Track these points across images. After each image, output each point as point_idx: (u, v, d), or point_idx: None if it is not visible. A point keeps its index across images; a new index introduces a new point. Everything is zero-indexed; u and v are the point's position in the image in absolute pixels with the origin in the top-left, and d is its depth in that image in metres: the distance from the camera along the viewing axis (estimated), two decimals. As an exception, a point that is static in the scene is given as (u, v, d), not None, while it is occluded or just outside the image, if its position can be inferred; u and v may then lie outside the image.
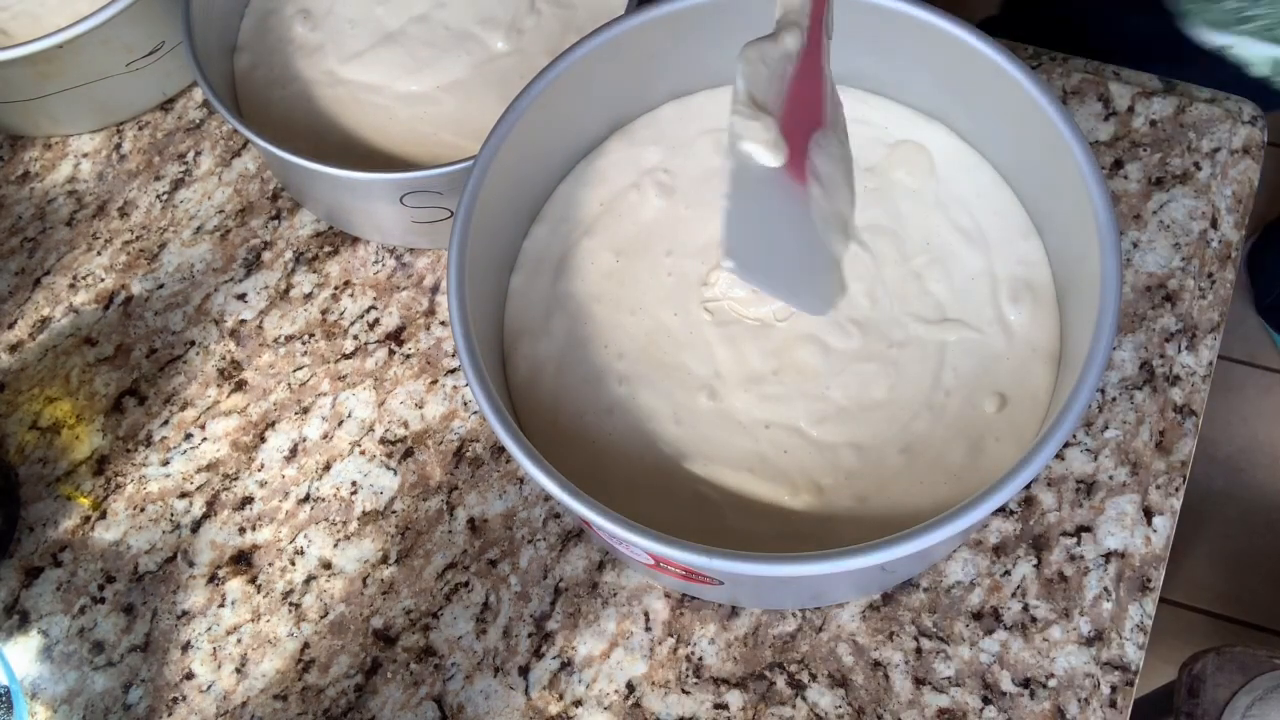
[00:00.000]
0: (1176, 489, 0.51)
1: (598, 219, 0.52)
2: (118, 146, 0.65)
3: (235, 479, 0.55)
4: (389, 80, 0.59)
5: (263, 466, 0.55)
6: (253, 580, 0.53)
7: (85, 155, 0.65)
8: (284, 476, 0.55)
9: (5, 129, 0.66)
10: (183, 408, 0.57)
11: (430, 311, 0.58)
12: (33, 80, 0.59)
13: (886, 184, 0.51)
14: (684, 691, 0.49)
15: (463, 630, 0.51)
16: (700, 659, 0.50)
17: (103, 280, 0.61)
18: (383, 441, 0.55)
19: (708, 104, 0.54)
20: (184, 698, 0.51)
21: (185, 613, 0.53)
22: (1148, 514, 0.50)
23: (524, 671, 0.50)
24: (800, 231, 0.37)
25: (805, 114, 0.37)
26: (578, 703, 0.49)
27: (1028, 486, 0.49)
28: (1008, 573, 0.50)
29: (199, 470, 0.55)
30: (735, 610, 0.50)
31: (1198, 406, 0.52)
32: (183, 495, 0.55)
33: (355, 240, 0.60)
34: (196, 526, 0.54)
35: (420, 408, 0.56)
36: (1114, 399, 0.52)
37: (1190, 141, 0.57)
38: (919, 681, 0.49)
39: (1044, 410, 0.46)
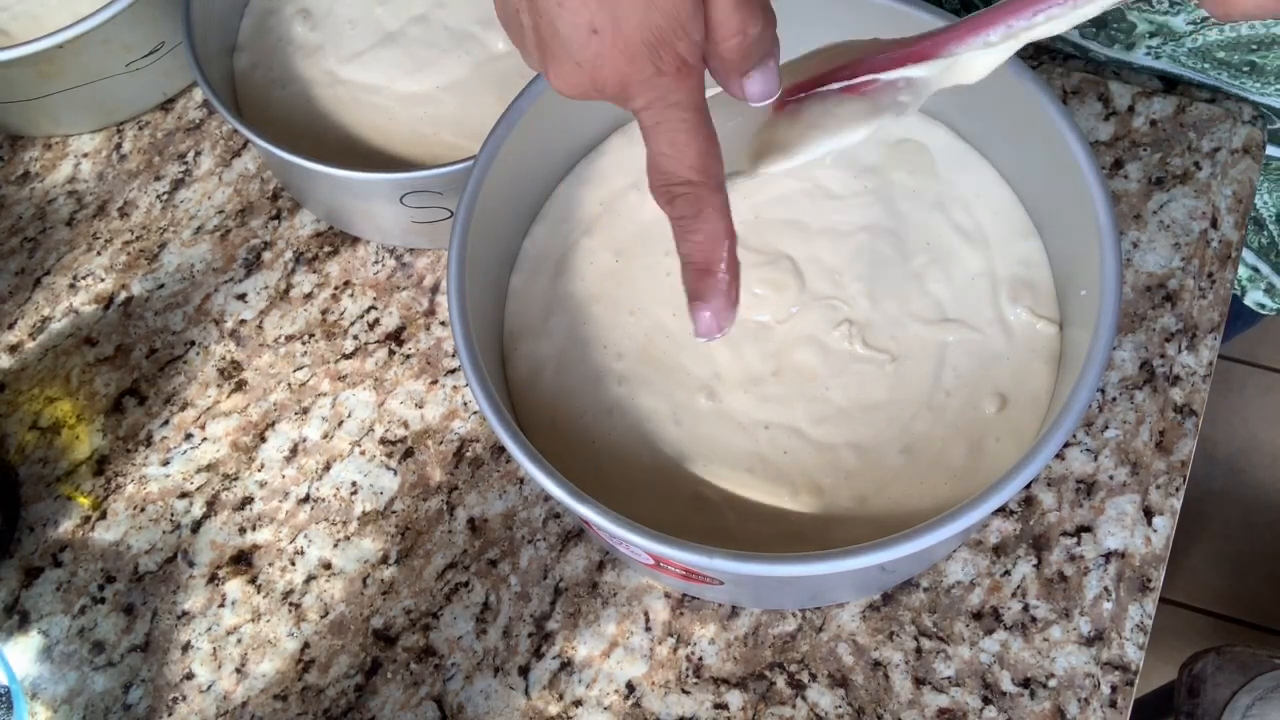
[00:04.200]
0: (1176, 489, 0.51)
1: (597, 219, 0.52)
2: (118, 146, 0.65)
3: (235, 479, 0.55)
4: (389, 80, 0.59)
5: (263, 467, 0.55)
6: (253, 580, 0.53)
7: (85, 155, 0.65)
8: (284, 477, 0.55)
9: (5, 129, 0.66)
10: (183, 408, 0.57)
11: (430, 311, 0.58)
12: (33, 80, 0.59)
13: (886, 184, 0.51)
14: (684, 691, 0.49)
15: (463, 630, 0.51)
16: (700, 659, 0.50)
17: (103, 280, 0.61)
18: (383, 442, 0.55)
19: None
20: (184, 698, 0.51)
21: (185, 613, 0.53)
22: (1148, 514, 0.50)
23: (524, 671, 0.50)
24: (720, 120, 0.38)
25: (833, 76, 0.38)
26: (578, 703, 0.49)
27: (1028, 486, 0.49)
28: (1008, 573, 0.50)
29: (199, 470, 0.55)
30: (735, 610, 0.50)
31: (1198, 406, 0.52)
32: (183, 495, 0.55)
33: (355, 240, 0.60)
34: (196, 526, 0.54)
35: (420, 408, 0.56)
36: (1114, 399, 0.52)
37: (1190, 141, 0.57)
38: (919, 681, 0.49)
39: (1044, 410, 0.46)
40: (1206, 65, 0.56)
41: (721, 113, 0.40)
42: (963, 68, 0.37)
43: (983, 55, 0.36)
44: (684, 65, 0.33)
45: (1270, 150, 0.60)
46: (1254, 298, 0.71)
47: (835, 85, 0.38)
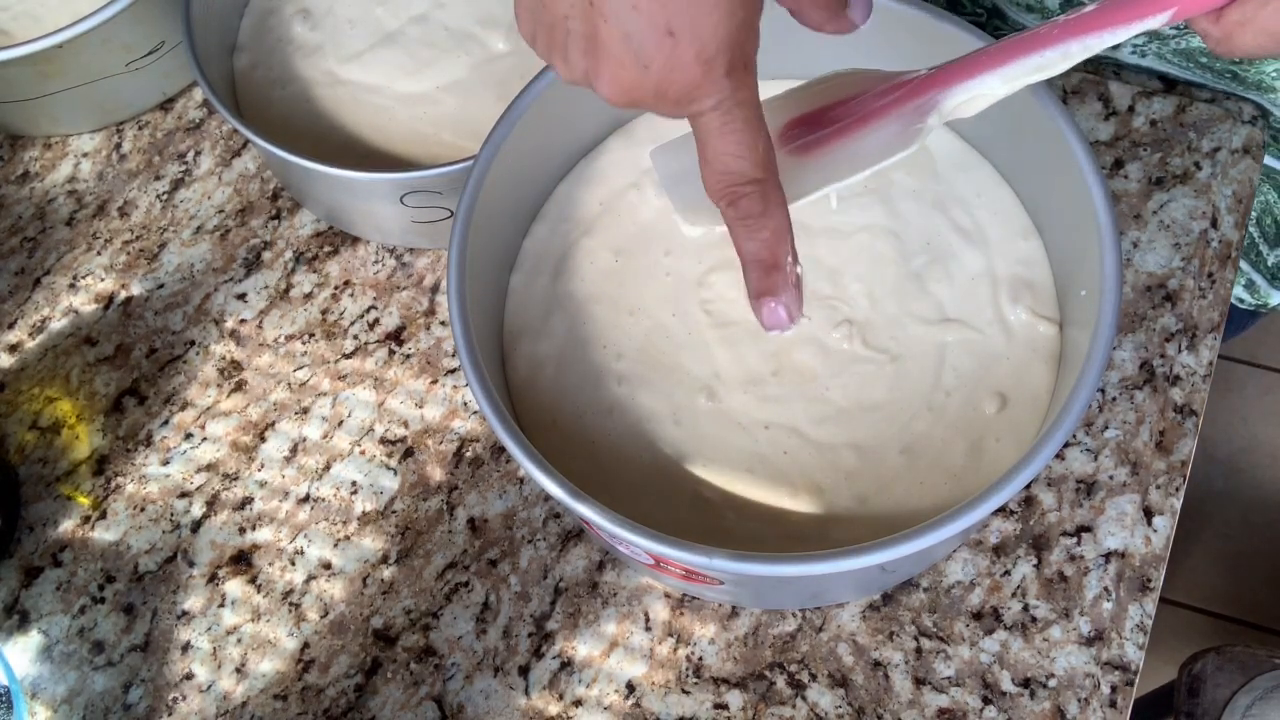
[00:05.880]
0: (1176, 489, 0.51)
1: (597, 218, 0.52)
2: (118, 146, 0.65)
3: (235, 479, 0.55)
4: (389, 80, 0.59)
5: (263, 466, 0.55)
6: (253, 580, 0.53)
7: (85, 155, 0.65)
8: (284, 476, 0.55)
9: (5, 129, 0.66)
10: (182, 408, 0.57)
11: (430, 311, 0.58)
12: (33, 80, 0.59)
13: (886, 184, 0.51)
14: (684, 692, 0.49)
15: (463, 630, 0.51)
16: (700, 659, 0.50)
17: (103, 280, 0.61)
18: (383, 441, 0.55)
19: (708, 104, 0.54)
20: (184, 698, 0.51)
21: (185, 613, 0.53)
22: (1148, 514, 0.50)
23: (524, 671, 0.50)
24: None
25: (832, 115, 0.39)
26: (578, 703, 0.49)
27: (1028, 486, 0.49)
28: (1008, 573, 0.50)
29: (199, 470, 0.55)
30: (735, 610, 0.50)
31: (1198, 406, 0.52)
32: (183, 495, 0.55)
33: (355, 240, 0.60)
34: (196, 526, 0.54)
35: (420, 408, 0.56)
36: (1114, 399, 0.52)
37: (1190, 141, 0.57)
38: (919, 681, 0.49)
39: (1044, 410, 0.46)
40: (1192, 65, 0.56)
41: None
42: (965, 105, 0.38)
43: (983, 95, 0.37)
44: (749, 63, 0.33)
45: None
46: (1234, 293, 0.71)
47: (842, 122, 0.39)
